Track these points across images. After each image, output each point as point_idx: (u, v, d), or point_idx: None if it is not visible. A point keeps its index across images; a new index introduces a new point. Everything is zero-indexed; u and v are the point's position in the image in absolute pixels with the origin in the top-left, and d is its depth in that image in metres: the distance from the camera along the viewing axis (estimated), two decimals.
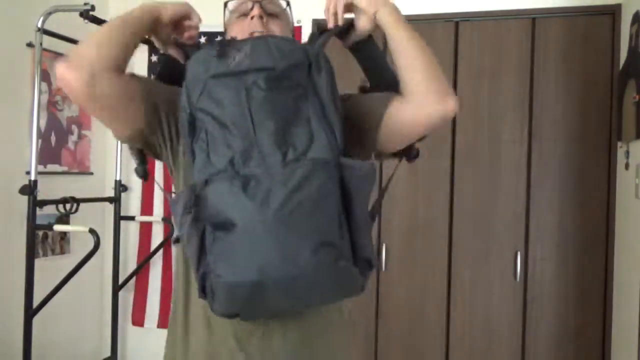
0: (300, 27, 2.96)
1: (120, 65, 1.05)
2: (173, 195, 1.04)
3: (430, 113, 1.12)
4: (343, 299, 1.08)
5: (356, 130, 1.11)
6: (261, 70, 0.97)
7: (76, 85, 1.02)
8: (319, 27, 1.17)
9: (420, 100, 1.10)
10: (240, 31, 1.13)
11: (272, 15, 1.16)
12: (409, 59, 1.12)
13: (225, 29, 1.24)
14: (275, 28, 1.15)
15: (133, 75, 1.11)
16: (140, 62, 3.26)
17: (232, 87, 0.97)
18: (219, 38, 1.14)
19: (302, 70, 0.99)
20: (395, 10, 1.13)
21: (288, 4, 1.20)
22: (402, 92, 1.11)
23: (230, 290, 0.94)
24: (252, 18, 1.13)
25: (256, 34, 1.11)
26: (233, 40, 1.03)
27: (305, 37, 3.32)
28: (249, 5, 1.15)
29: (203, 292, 0.98)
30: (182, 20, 1.15)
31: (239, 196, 0.92)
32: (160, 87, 1.15)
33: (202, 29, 3.36)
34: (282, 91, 0.97)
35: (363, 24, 1.15)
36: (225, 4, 1.20)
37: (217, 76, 0.98)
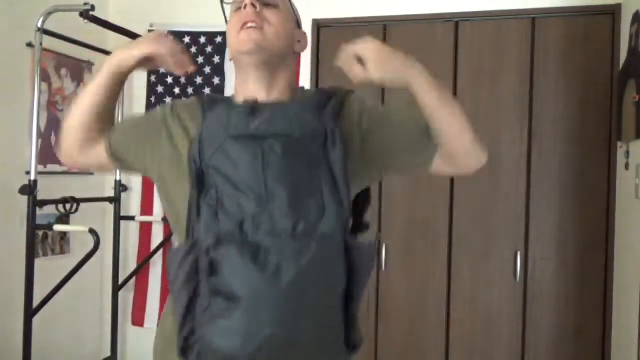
0: None
1: (91, 135, 1.15)
2: (175, 243, 1.05)
3: (468, 171, 1.14)
4: None
5: (372, 154, 1.10)
6: (279, 136, 0.97)
7: (65, 162, 1.23)
8: (325, 91, 1.12)
9: (461, 163, 1.11)
10: (235, 23, 1.10)
11: (269, 5, 1.11)
12: (445, 125, 1.09)
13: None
14: (272, 17, 1.10)
15: (111, 133, 1.17)
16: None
17: (249, 150, 0.96)
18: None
19: (317, 141, 0.98)
20: (426, 77, 1.07)
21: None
22: (440, 146, 1.10)
23: (220, 358, 0.93)
24: (244, 7, 1.09)
25: (249, 25, 1.07)
26: (256, 103, 1.02)
27: None
28: None
29: (184, 354, 0.97)
30: (152, 59, 1.13)
31: (249, 268, 0.91)
32: (135, 131, 1.19)
33: (202, 29, 3.36)
34: (297, 159, 0.97)
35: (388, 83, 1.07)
36: (222, 1, 1.19)
37: (236, 137, 0.97)
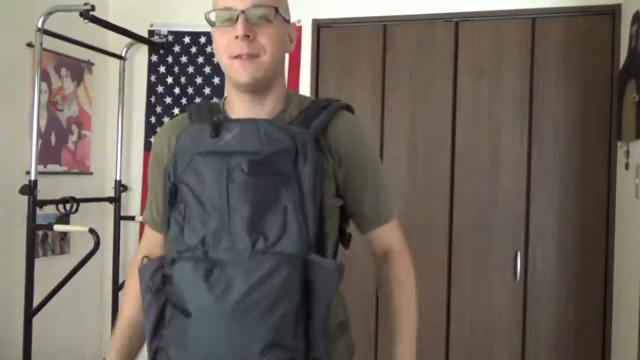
0: (300, 27, 2.96)
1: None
2: (144, 259, 1.09)
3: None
4: None
5: (341, 184, 1.13)
6: (246, 153, 0.96)
7: None
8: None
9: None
10: (225, 45, 1.07)
11: (258, 23, 1.07)
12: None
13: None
14: (266, 40, 1.07)
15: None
16: (140, 60, 3.26)
17: (215, 167, 0.97)
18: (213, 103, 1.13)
19: (287, 158, 0.97)
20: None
21: (276, 10, 1.09)
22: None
23: None
24: (236, 37, 1.05)
25: (244, 57, 1.05)
26: (226, 119, 1.04)
27: (305, 35, 3.33)
28: (234, 14, 1.06)
29: None
30: None
31: (199, 285, 0.92)
32: (158, 190, 1.17)
33: (202, 29, 3.36)
34: (263, 177, 0.96)
35: None
36: (214, 23, 1.11)
37: (203, 154, 0.98)
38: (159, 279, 0.99)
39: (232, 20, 1.06)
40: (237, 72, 1.07)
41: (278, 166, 0.96)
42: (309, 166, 0.97)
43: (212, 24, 1.10)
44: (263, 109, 1.12)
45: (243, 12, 1.05)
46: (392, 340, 1.14)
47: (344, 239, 1.17)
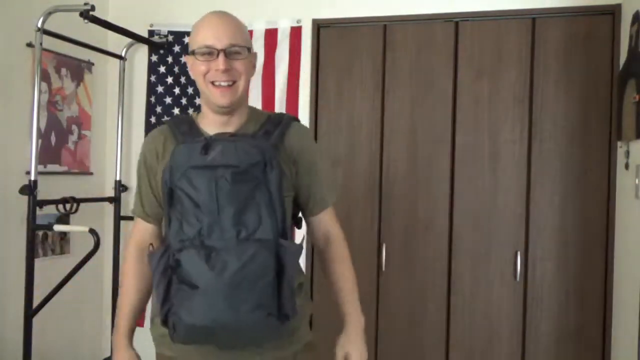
0: (300, 27, 2.96)
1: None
2: (150, 247, 1.44)
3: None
4: (269, 341, 1.38)
5: (294, 171, 1.49)
6: (228, 167, 1.27)
7: None
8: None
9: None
10: (203, 73, 1.40)
11: (235, 53, 1.40)
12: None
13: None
14: (240, 68, 1.41)
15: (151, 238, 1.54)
16: (140, 60, 3.26)
17: (206, 177, 1.27)
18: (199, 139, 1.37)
19: (258, 168, 1.28)
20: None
21: (249, 50, 1.44)
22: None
23: (188, 329, 1.27)
24: (219, 70, 1.38)
25: (223, 85, 1.39)
26: (212, 139, 1.33)
27: (305, 35, 3.32)
28: (214, 51, 1.38)
29: (165, 323, 1.31)
30: None
31: (202, 266, 1.24)
32: (147, 187, 1.57)
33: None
34: (242, 184, 1.27)
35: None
36: (193, 52, 1.42)
37: (195, 167, 1.28)
38: (165, 262, 1.30)
39: (213, 55, 1.38)
40: (216, 97, 1.41)
41: (252, 174, 1.28)
42: (275, 173, 1.29)
43: (192, 53, 1.42)
44: (231, 123, 1.46)
45: (223, 50, 1.38)
46: (339, 288, 1.57)
47: (296, 221, 1.55)
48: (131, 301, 1.57)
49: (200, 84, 1.43)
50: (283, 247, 1.29)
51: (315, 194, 1.53)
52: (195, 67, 1.42)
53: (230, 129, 1.45)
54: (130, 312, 1.60)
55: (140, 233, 1.55)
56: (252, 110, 1.53)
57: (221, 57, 1.37)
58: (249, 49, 1.45)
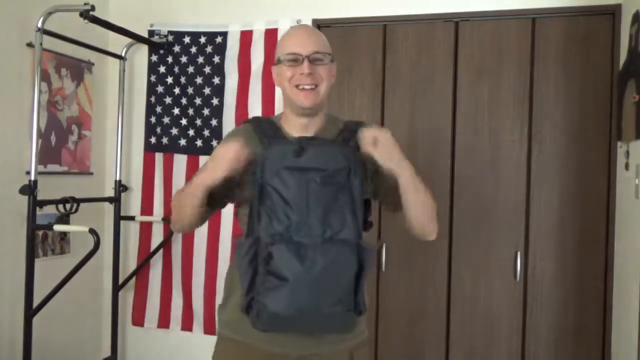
0: None
1: (205, 215, 1.58)
2: (238, 238, 1.48)
3: (416, 234, 1.62)
4: (339, 333, 1.51)
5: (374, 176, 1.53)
6: (318, 170, 1.38)
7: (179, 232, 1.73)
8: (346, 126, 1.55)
9: (415, 232, 1.61)
10: (290, 78, 1.52)
11: (318, 60, 1.52)
12: (410, 205, 1.52)
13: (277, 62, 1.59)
14: (323, 74, 1.53)
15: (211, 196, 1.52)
16: (140, 60, 3.26)
17: (297, 178, 1.37)
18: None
19: (344, 173, 1.39)
20: (410, 173, 1.49)
21: (330, 58, 1.56)
22: (404, 212, 1.56)
23: (272, 316, 1.35)
24: (304, 74, 1.50)
25: (306, 88, 1.51)
26: (305, 142, 1.42)
27: None
28: (300, 57, 1.51)
29: (247, 310, 1.40)
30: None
31: (293, 260, 1.33)
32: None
33: (202, 29, 3.36)
34: (329, 187, 1.38)
35: (387, 169, 1.48)
36: (279, 60, 1.56)
37: (289, 168, 1.38)
38: (253, 252, 1.37)
39: (298, 61, 1.51)
40: (300, 99, 1.52)
41: (337, 178, 1.39)
42: (358, 179, 1.40)
43: (278, 61, 1.56)
44: (311, 126, 1.57)
45: (307, 56, 1.51)
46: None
47: (366, 225, 1.52)
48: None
49: (286, 88, 1.55)
50: (363, 247, 1.39)
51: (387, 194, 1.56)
52: (282, 72, 1.55)
53: (310, 132, 1.56)
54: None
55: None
56: (330, 115, 1.65)
57: (305, 62, 1.50)
58: (331, 58, 1.57)
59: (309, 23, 2.95)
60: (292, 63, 1.53)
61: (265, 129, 1.54)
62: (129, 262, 3.29)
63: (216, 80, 3.13)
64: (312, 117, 1.56)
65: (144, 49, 3.24)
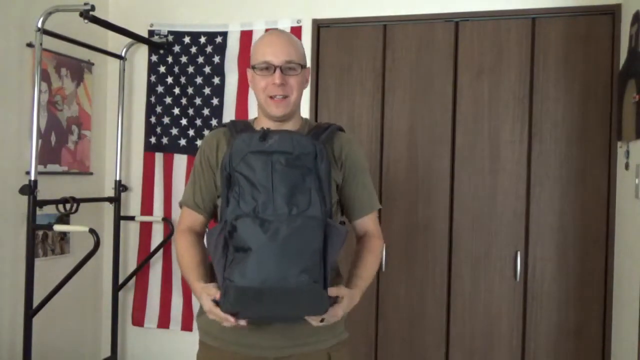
0: (300, 27, 2.96)
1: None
2: (207, 230, 1.55)
3: None
4: (312, 313, 1.43)
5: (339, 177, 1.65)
6: (283, 152, 1.39)
7: None
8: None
9: None
10: (263, 87, 1.57)
11: (290, 69, 1.56)
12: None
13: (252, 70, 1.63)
14: (294, 84, 1.57)
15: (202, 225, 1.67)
16: (139, 60, 3.26)
17: (263, 160, 1.39)
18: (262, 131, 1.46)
19: (310, 157, 1.41)
20: (362, 290, 1.60)
21: (302, 67, 1.60)
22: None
23: (238, 292, 1.33)
24: (275, 84, 1.54)
25: (278, 97, 1.56)
26: (269, 130, 1.45)
27: (305, 35, 3.31)
28: (271, 67, 1.55)
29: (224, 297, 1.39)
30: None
31: (257, 230, 1.34)
32: (200, 178, 1.65)
33: (202, 29, 3.36)
34: (295, 168, 1.39)
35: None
36: (253, 67, 1.59)
37: (254, 152, 1.40)
38: (223, 238, 1.38)
39: (270, 70, 1.55)
40: (272, 108, 1.58)
41: (304, 162, 1.40)
42: (324, 163, 1.42)
43: (252, 68, 1.59)
44: (285, 128, 1.59)
45: (280, 67, 1.54)
46: (356, 272, 1.59)
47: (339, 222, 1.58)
48: (193, 257, 1.60)
49: (259, 96, 1.60)
50: (330, 225, 1.39)
51: (361, 197, 1.65)
52: (255, 81, 1.60)
53: None
54: (195, 265, 1.58)
55: (188, 220, 1.66)
56: (305, 120, 1.70)
57: (277, 72, 1.54)
58: (303, 66, 1.60)
59: (309, 23, 2.96)
60: (264, 72, 1.57)
61: (237, 126, 1.59)
62: (129, 262, 3.29)
63: (216, 80, 3.13)
64: (285, 122, 1.62)
65: (144, 48, 3.24)
